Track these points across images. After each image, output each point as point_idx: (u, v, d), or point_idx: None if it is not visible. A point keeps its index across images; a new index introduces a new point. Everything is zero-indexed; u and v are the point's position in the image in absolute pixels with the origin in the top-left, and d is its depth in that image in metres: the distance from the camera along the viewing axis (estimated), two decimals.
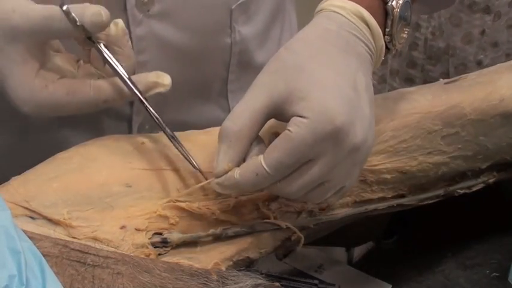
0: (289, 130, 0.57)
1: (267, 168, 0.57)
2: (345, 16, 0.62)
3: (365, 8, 0.62)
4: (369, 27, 0.63)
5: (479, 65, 1.42)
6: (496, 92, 0.72)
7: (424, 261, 0.79)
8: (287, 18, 0.92)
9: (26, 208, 0.58)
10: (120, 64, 0.62)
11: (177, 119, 0.65)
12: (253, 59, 0.85)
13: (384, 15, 0.65)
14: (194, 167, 0.62)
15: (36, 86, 0.61)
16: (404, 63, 1.47)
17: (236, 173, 0.58)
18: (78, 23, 0.60)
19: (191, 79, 0.81)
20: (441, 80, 0.75)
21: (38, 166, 0.62)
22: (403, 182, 0.71)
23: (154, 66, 0.75)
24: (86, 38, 0.62)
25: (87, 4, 0.61)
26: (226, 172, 0.59)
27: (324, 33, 0.61)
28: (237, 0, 0.80)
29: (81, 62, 0.65)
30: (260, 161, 0.57)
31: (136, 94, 0.62)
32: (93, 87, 0.62)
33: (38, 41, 0.62)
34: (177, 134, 0.65)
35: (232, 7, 0.80)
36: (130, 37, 0.64)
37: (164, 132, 0.62)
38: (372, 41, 0.63)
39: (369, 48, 0.63)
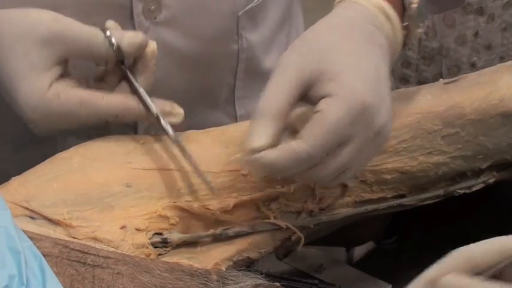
0: (321, 110, 0.57)
1: (308, 149, 0.56)
2: (368, 8, 0.62)
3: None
4: (390, 21, 0.63)
5: (473, 67, 1.41)
6: (496, 92, 0.72)
7: (424, 261, 0.78)
8: (294, 24, 0.91)
9: (26, 208, 0.58)
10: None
11: (184, 126, 0.65)
12: (261, 65, 0.84)
13: (401, 9, 0.65)
14: (207, 183, 0.62)
15: (48, 94, 0.62)
16: (399, 63, 1.47)
17: (273, 152, 0.57)
18: (114, 48, 0.62)
19: (198, 86, 0.81)
20: (441, 80, 0.75)
21: (38, 166, 0.62)
22: (403, 182, 0.71)
23: (162, 73, 0.75)
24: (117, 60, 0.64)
25: (126, 31, 0.64)
26: (260, 151, 0.57)
27: (350, 22, 0.62)
28: (244, 6, 0.80)
29: (96, 78, 0.66)
30: (299, 142, 0.56)
31: (154, 112, 0.63)
32: (105, 100, 0.63)
33: (70, 54, 0.63)
34: (176, 133, 0.65)
35: (239, 14, 0.80)
36: None
37: (177, 146, 0.63)
38: (391, 34, 0.63)
39: (389, 41, 0.63)
